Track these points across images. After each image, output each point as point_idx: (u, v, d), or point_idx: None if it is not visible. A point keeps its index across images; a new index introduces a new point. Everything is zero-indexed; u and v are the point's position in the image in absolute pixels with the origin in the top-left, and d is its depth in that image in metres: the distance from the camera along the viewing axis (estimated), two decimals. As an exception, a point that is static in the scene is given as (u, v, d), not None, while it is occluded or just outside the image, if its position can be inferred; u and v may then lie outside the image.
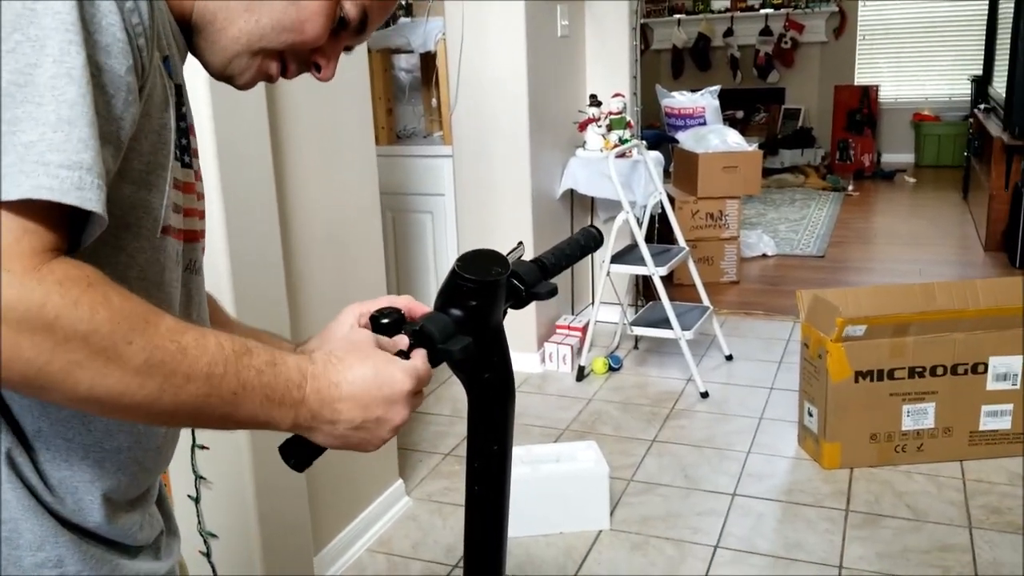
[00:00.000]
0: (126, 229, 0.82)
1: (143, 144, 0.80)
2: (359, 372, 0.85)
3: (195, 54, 0.92)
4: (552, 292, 1.12)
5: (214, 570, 2.20)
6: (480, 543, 1.18)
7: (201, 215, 0.97)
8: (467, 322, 1.00)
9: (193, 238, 0.94)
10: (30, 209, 0.67)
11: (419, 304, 1.04)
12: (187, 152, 0.90)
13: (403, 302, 1.04)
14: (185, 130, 0.89)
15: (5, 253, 0.66)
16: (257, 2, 0.87)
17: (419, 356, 0.92)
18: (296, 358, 0.83)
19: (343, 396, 0.84)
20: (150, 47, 0.77)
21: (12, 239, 0.67)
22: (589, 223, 4.58)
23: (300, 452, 0.92)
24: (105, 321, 0.70)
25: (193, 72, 0.96)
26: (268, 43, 0.89)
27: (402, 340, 0.94)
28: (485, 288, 1.02)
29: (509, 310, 1.11)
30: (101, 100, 0.72)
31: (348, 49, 0.97)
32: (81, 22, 0.70)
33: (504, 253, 1.05)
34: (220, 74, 0.92)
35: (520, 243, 1.09)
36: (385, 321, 0.96)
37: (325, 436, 0.86)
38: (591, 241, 1.24)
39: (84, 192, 0.68)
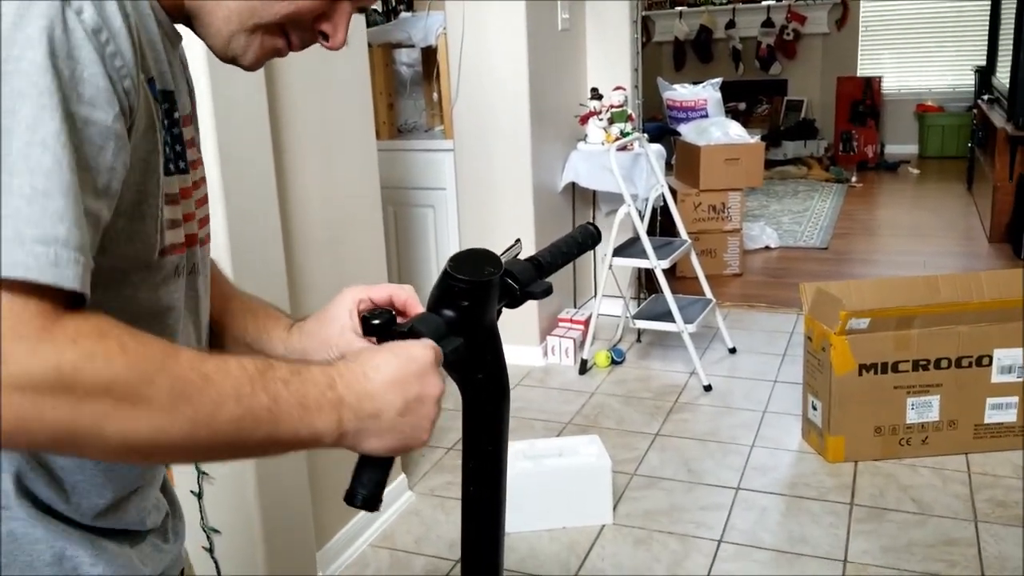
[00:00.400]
0: (124, 260, 0.81)
1: (131, 176, 0.78)
2: (381, 358, 0.85)
3: (202, 39, 0.91)
4: (547, 291, 1.11)
5: (217, 566, 2.20)
6: (477, 544, 1.17)
7: (204, 221, 0.97)
8: (459, 323, 0.99)
9: (193, 243, 0.92)
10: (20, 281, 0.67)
11: (416, 301, 1.03)
12: (182, 158, 0.88)
13: (404, 294, 1.04)
14: (179, 136, 0.88)
15: (13, 322, 0.65)
16: None
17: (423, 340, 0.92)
18: (316, 363, 0.83)
19: (376, 384, 0.83)
20: (136, 82, 0.76)
21: (16, 307, 0.66)
22: (591, 216, 4.57)
23: (364, 483, 0.89)
24: (123, 368, 0.69)
25: (193, 66, 0.95)
26: (262, 18, 0.87)
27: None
28: (477, 288, 1.00)
29: (504, 309, 1.10)
30: (91, 153, 0.71)
31: (362, 10, 0.96)
32: (57, 80, 0.68)
33: (501, 250, 1.04)
34: (224, 56, 0.90)
35: (517, 240, 1.08)
36: (376, 322, 0.95)
37: (375, 436, 0.84)
38: (589, 238, 1.23)
39: (60, 269, 0.67)
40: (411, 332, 0.93)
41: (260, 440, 0.77)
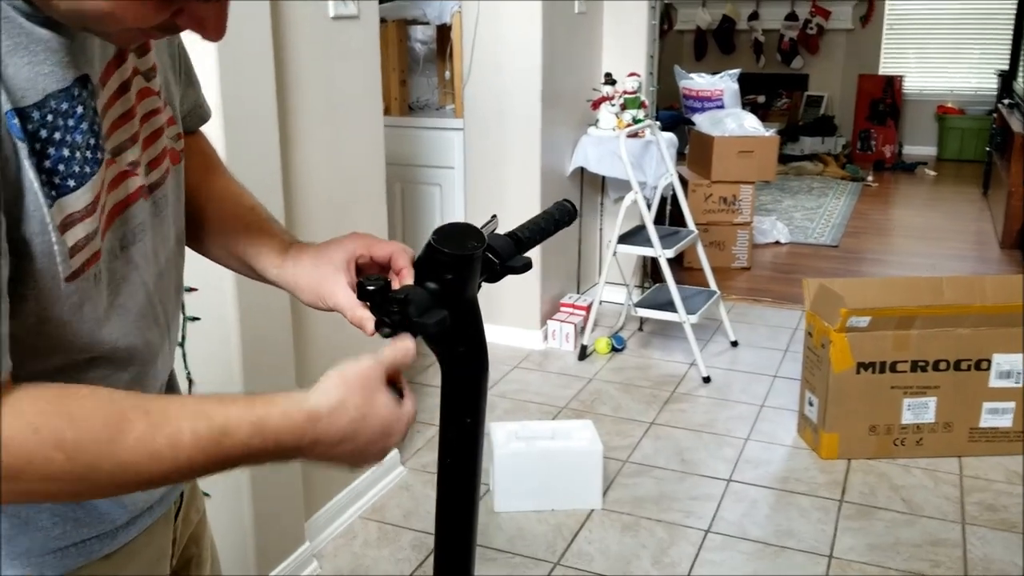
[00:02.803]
0: (24, 299, 0.79)
1: (13, 217, 0.77)
2: (360, 428, 0.87)
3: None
4: (527, 266, 1.11)
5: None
6: (451, 514, 1.18)
7: (154, 163, 0.94)
8: (443, 295, 1.00)
9: (117, 214, 0.89)
10: None
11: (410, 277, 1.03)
12: (97, 148, 0.84)
13: (404, 260, 1.04)
14: (100, 125, 0.84)
15: None
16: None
17: (409, 399, 0.93)
18: (295, 415, 0.83)
19: (342, 447, 0.87)
20: None
21: None
22: (599, 202, 4.57)
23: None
24: (64, 463, 0.72)
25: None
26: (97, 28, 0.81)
27: (408, 352, 0.95)
28: (461, 262, 1.01)
29: (484, 284, 1.10)
30: None
31: None
32: None
33: (479, 226, 1.05)
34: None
35: (494, 216, 1.08)
36: (371, 288, 0.97)
37: (315, 463, 0.90)
38: (565, 215, 1.23)
39: None
40: (406, 300, 0.95)
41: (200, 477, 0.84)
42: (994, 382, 3.15)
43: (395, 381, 0.92)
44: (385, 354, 0.91)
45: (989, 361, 3.13)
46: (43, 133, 0.78)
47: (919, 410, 3.17)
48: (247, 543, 2.32)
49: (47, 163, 0.78)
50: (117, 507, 0.95)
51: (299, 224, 2.44)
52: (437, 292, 1.00)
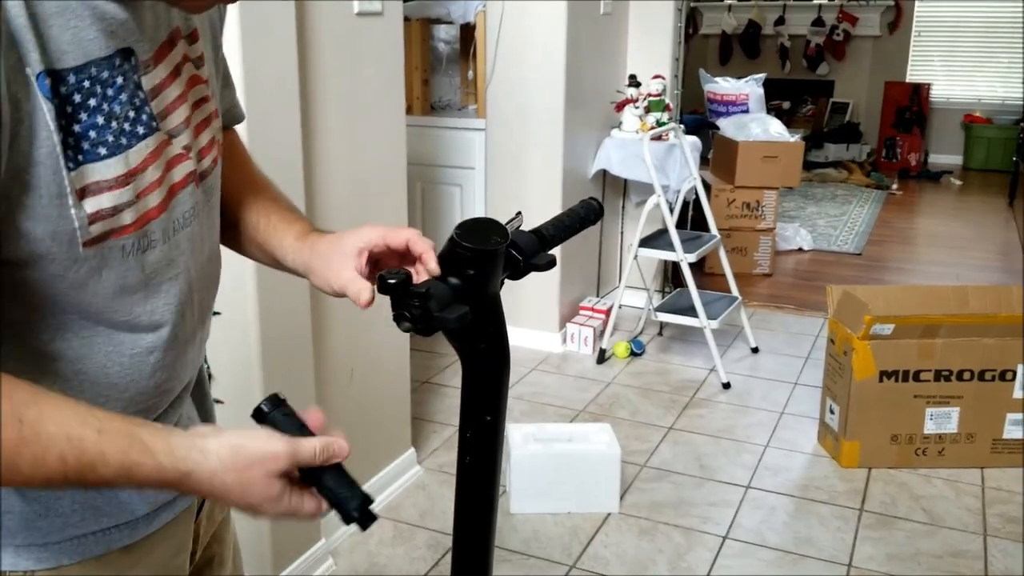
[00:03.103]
0: (40, 257, 0.80)
1: (21, 181, 0.77)
2: (231, 480, 0.83)
3: None
4: (551, 263, 1.10)
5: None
6: (470, 514, 1.17)
7: (204, 151, 0.95)
8: (464, 290, 0.99)
9: (165, 207, 0.89)
10: None
11: (433, 255, 1.01)
12: (139, 123, 0.84)
13: (423, 246, 1.02)
14: (144, 100, 0.85)
15: None
16: None
17: (311, 500, 0.87)
18: (166, 470, 0.80)
19: (219, 493, 0.84)
20: (12, 100, 0.73)
21: None
22: (621, 206, 4.55)
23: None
24: None
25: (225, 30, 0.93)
26: None
27: (313, 419, 0.91)
28: (484, 257, 1.00)
29: (507, 281, 1.09)
30: None
31: None
32: None
33: (504, 222, 1.04)
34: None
35: (519, 212, 1.07)
36: (392, 282, 0.94)
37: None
38: (591, 213, 1.22)
39: None
40: (425, 296, 0.93)
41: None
42: (1018, 393, 3.11)
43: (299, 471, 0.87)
44: (302, 448, 0.86)
45: (1014, 372, 3.09)
46: (77, 97, 0.78)
47: (942, 420, 3.13)
48: (263, 540, 2.32)
49: (76, 127, 0.79)
50: (139, 498, 0.95)
51: (319, 220, 2.43)
52: (459, 287, 0.99)
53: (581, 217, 1.21)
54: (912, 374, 3.09)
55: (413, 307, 0.93)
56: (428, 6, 4.05)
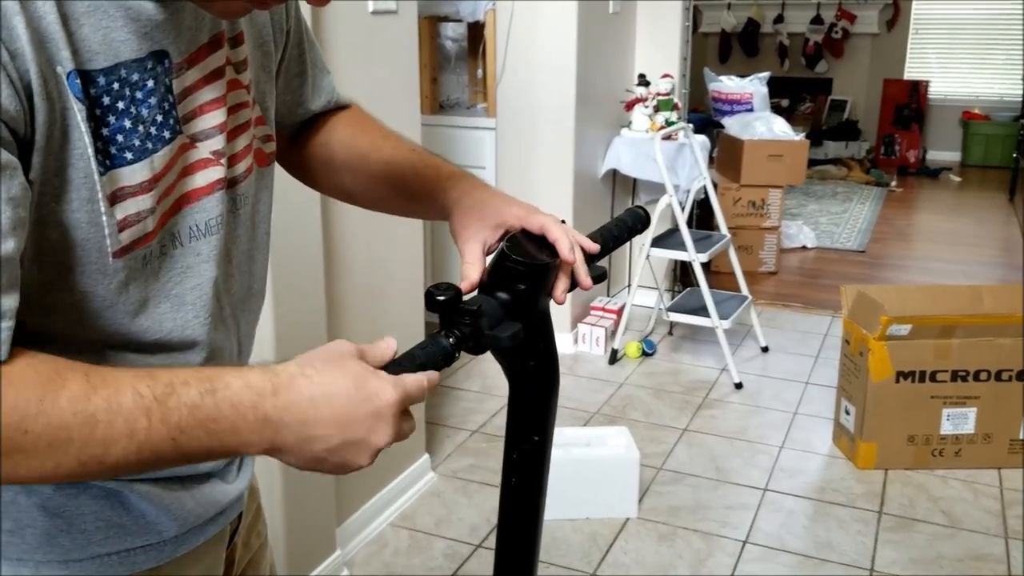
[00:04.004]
0: (69, 271, 0.77)
1: (52, 186, 0.74)
2: (338, 385, 0.76)
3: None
4: (602, 276, 1.06)
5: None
6: (514, 539, 1.13)
7: (238, 157, 0.91)
8: (514, 306, 0.94)
9: (196, 197, 0.87)
10: None
11: (566, 241, 0.99)
12: (165, 127, 0.81)
13: (559, 232, 1.00)
14: (172, 103, 0.82)
15: None
16: None
17: (411, 378, 0.81)
18: (252, 375, 0.74)
19: (321, 415, 0.75)
20: (25, 107, 0.70)
21: None
22: (630, 204, 4.51)
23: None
24: None
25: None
26: None
27: (389, 348, 0.84)
28: (535, 271, 0.96)
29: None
30: None
31: None
32: None
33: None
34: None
35: (563, 222, 1.03)
36: (441, 299, 0.88)
37: (298, 458, 0.77)
38: (639, 222, 1.18)
39: None
40: (476, 313, 0.88)
41: (170, 460, 0.72)
42: (1036, 394, 3.09)
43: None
44: (367, 352, 0.81)
45: (1032, 372, 3.07)
46: (106, 100, 0.76)
47: (959, 421, 3.11)
48: (279, 549, 2.28)
49: (105, 131, 0.76)
50: (167, 518, 0.91)
51: (334, 218, 2.39)
52: (509, 303, 0.94)
53: (629, 226, 1.18)
54: (929, 375, 3.07)
55: (464, 325, 0.88)
56: (436, 4, 4.01)
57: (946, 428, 3.12)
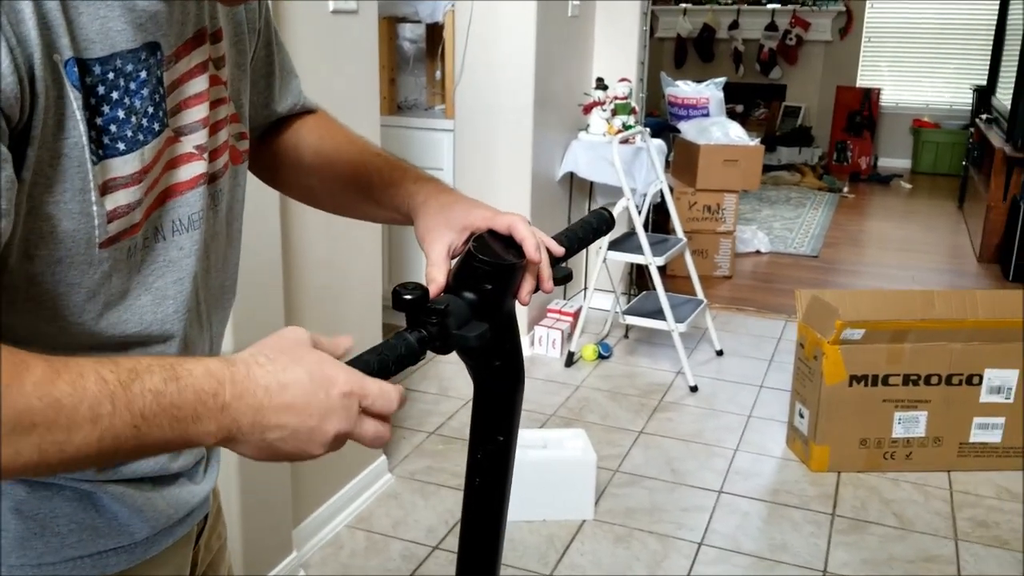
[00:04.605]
0: (58, 263, 0.76)
1: (46, 176, 0.74)
2: (292, 373, 0.75)
3: None
4: (568, 277, 1.06)
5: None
6: (477, 538, 1.13)
7: (218, 152, 0.92)
8: (481, 306, 0.94)
9: (180, 191, 0.87)
10: None
11: (532, 241, 0.99)
12: (155, 119, 0.82)
13: (526, 232, 1.00)
14: (163, 96, 0.82)
15: None
16: None
17: (372, 379, 0.80)
18: (210, 363, 0.74)
19: (275, 403, 0.74)
20: (26, 94, 0.69)
21: None
22: (587, 209, 4.53)
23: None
24: None
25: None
26: None
27: (342, 344, 0.83)
28: (502, 271, 0.96)
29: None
30: None
31: None
32: None
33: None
34: None
35: (529, 222, 1.03)
36: (408, 297, 0.87)
37: (252, 448, 0.76)
38: (603, 224, 1.18)
39: None
40: (443, 312, 0.88)
41: (128, 452, 0.71)
42: (985, 397, 3.14)
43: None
44: (321, 340, 0.81)
45: (981, 376, 3.12)
46: (101, 89, 0.76)
47: (910, 424, 3.16)
48: (235, 550, 2.25)
49: (99, 120, 0.76)
50: (139, 519, 0.91)
51: (292, 220, 2.37)
52: (475, 303, 0.94)
53: (594, 228, 1.18)
54: (881, 378, 3.11)
55: (430, 324, 0.88)
56: (395, 5, 3.99)
57: (897, 431, 3.16)
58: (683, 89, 5.81)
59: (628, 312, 3.98)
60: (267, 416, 0.74)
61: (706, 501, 2.97)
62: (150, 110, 0.81)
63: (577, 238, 1.14)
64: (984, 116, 7.15)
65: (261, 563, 2.35)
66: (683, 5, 9.34)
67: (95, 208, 0.77)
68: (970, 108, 8.27)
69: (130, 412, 0.68)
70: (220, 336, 1.01)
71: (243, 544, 2.26)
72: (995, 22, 7.75)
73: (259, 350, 0.77)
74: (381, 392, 0.79)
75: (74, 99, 0.74)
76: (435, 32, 4.04)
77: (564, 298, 4.44)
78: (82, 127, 0.74)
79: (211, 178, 0.91)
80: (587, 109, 4.21)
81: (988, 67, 7.79)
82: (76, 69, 0.73)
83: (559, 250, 1.04)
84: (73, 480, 0.86)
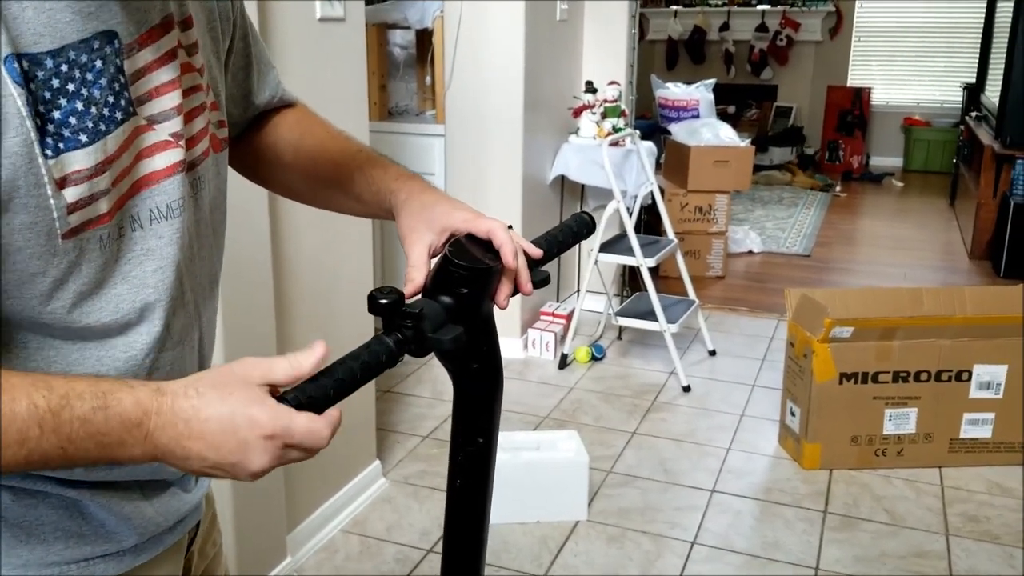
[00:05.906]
0: (19, 251, 0.77)
1: None
2: (215, 410, 0.76)
3: None
4: (545, 280, 1.08)
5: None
6: (460, 539, 1.14)
7: (195, 139, 0.91)
8: (457, 310, 0.96)
9: (157, 179, 0.87)
10: None
11: (510, 247, 1.00)
12: (117, 108, 0.81)
13: (504, 237, 1.01)
14: (124, 84, 0.82)
15: None
16: None
17: (301, 417, 0.79)
18: (140, 391, 0.76)
19: (192, 434, 0.76)
20: None
21: None
22: (579, 210, 4.54)
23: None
24: None
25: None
26: None
27: (309, 357, 0.82)
28: (477, 276, 0.98)
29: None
30: None
31: None
32: None
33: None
34: None
35: (509, 226, 1.05)
36: (383, 302, 0.89)
37: (184, 469, 0.79)
38: (583, 228, 1.20)
39: None
40: (418, 316, 0.89)
41: (58, 466, 0.75)
42: (974, 393, 3.16)
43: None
44: (276, 367, 0.81)
45: (970, 372, 3.14)
46: (56, 83, 0.76)
47: (900, 421, 3.18)
48: (230, 556, 2.26)
49: (56, 114, 0.76)
50: (126, 527, 0.91)
51: (282, 218, 2.38)
52: (451, 307, 0.96)
53: (574, 232, 1.19)
54: (871, 376, 3.13)
55: (405, 328, 0.89)
56: (384, 11, 4.01)
57: (888, 428, 3.18)
58: (673, 91, 5.84)
59: (621, 313, 4.00)
60: (185, 447, 0.77)
61: (699, 500, 2.99)
62: (111, 99, 0.80)
63: (557, 241, 1.16)
64: (974, 114, 7.19)
65: (256, 568, 2.37)
66: (673, 7, 9.37)
67: (52, 202, 0.76)
68: (960, 106, 8.31)
69: (57, 436, 0.72)
70: (211, 328, 1.01)
71: (238, 549, 2.27)
72: (983, 20, 7.79)
73: (194, 381, 0.79)
74: (309, 432, 0.79)
75: (17, 96, 0.73)
76: (425, 38, 4.06)
77: (557, 300, 4.46)
78: (28, 124, 0.74)
79: (190, 166, 0.91)
80: (577, 112, 4.23)
81: (977, 65, 7.83)
82: (17, 66, 0.73)
83: (536, 252, 1.05)
84: (59, 488, 0.87)
